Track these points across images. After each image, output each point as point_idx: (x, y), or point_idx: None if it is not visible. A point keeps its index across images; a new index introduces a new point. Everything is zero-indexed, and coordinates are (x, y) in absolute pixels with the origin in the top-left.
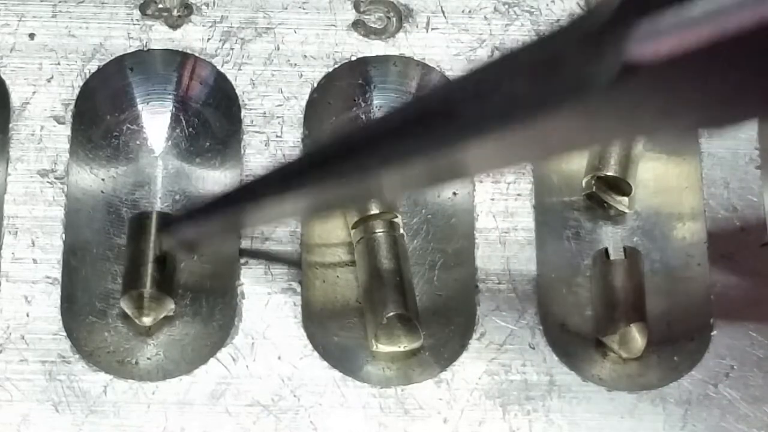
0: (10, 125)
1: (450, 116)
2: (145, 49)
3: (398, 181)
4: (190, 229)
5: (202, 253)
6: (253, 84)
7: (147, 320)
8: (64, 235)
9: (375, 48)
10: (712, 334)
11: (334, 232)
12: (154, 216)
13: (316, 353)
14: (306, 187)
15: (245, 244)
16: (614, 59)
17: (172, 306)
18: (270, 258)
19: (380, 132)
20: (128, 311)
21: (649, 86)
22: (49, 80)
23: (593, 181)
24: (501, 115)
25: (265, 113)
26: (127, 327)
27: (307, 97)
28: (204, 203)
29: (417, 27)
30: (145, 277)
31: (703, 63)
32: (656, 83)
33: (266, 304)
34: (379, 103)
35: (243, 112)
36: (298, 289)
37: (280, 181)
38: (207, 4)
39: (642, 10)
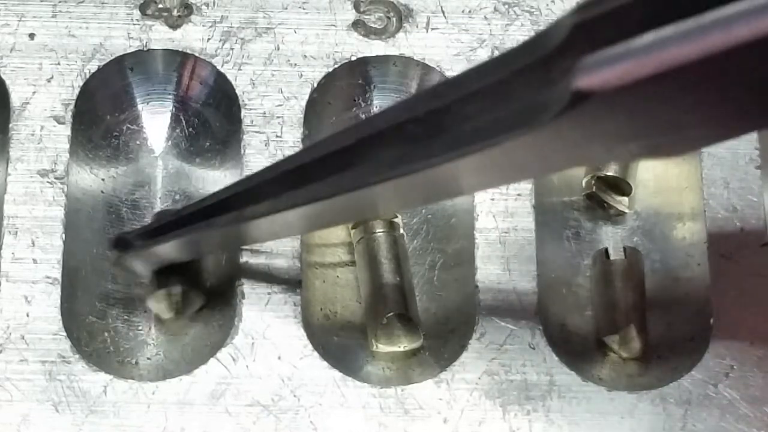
0: (10, 125)
1: (402, 140)
2: (145, 49)
3: (363, 202)
4: (146, 253)
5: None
6: (253, 84)
7: (174, 318)
8: (64, 235)
9: (375, 48)
10: (712, 334)
11: (334, 232)
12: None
13: (316, 353)
14: (274, 211)
15: None
16: (564, 87)
17: (202, 301)
18: (270, 258)
19: (335, 154)
20: (156, 310)
21: (598, 114)
22: (49, 80)
23: (593, 181)
24: (452, 142)
25: (265, 113)
26: (127, 327)
27: (307, 97)
28: (169, 222)
29: (417, 27)
30: (172, 276)
31: (649, 92)
32: (605, 111)
33: (266, 304)
34: (379, 103)
35: (243, 112)
36: (298, 289)
37: (249, 201)
38: (207, 4)
39: (591, 39)
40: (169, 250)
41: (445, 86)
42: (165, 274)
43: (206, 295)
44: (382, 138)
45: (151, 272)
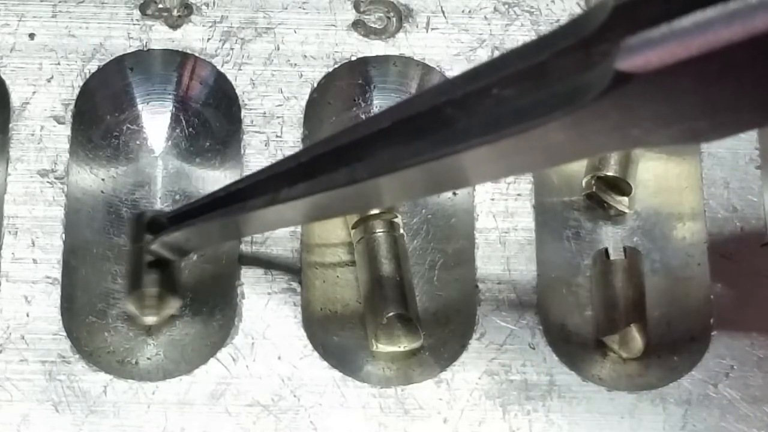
0: (10, 125)
1: (439, 123)
2: (145, 49)
3: (389, 190)
4: (179, 234)
5: (191, 256)
6: (253, 84)
7: (151, 320)
8: (64, 235)
9: (375, 48)
10: (712, 334)
11: (334, 232)
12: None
13: (316, 353)
14: (299, 197)
15: (245, 244)
16: (605, 69)
17: (178, 304)
18: (270, 258)
19: (369, 139)
20: (132, 311)
21: (639, 96)
22: (49, 80)
23: (593, 181)
24: (490, 124)
25: (265, 113)
26: (127, 327)
27: (307, 97)
28: (194, 206)
29: (417, 27)
30: (147, 276)
31: (692, 74)
32: (646, 93)
33: (266, 304)
34: (379, 103)
35: (243, 112)
36: (298, 289)
37: (273, 188)
38: (207, 4)
39: (632, 20)
40: (198, 234)
41: (483, 68)
42: (141, 275)
43: (205, 298)
44: (420, 120)
45: (179, 258)
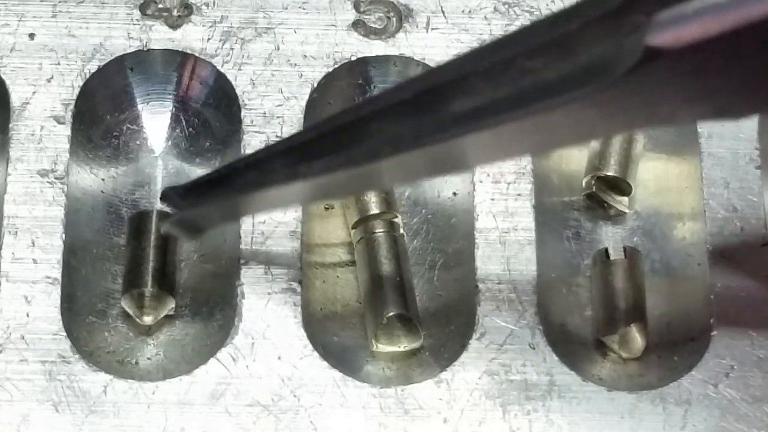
0: (10, 125)
1: (462, 92)
2: (145, 49)
3: (399, 167)
4: (192, 211)
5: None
6: (253, 84)
7: (148, 319)
8: (64, 235)
9: (375, 48)
10: (712, 334)
11: (334, 232)
12: (155, 214)
13: (316, 353)
14: (302, 176)
15: (245, 244)
16: (635, 43)
17: (173, 305)
18: (270, 258)
19: (388, 111)
20: (129, 310)
21: (670, 73)
22: (49, 80)
23: (593, 181)
24: (516, 98)
25: (265, 113)
26: (127, 327)
27: (307, 97)
28: (204, 179)
29: (417, 27)
30: (145, 276)
31: (726, 49)
32: (678, 70)
33: (266, 304)
34: None
35: (243, 112)
36: (298, 289)
37: (291, 161)
38: (207, 4)
39: None
40: (214, 211)
41: (508, 39)
42: (138, 275)
43: (205, 298)
44: (443, 91)
45: (196, 237)
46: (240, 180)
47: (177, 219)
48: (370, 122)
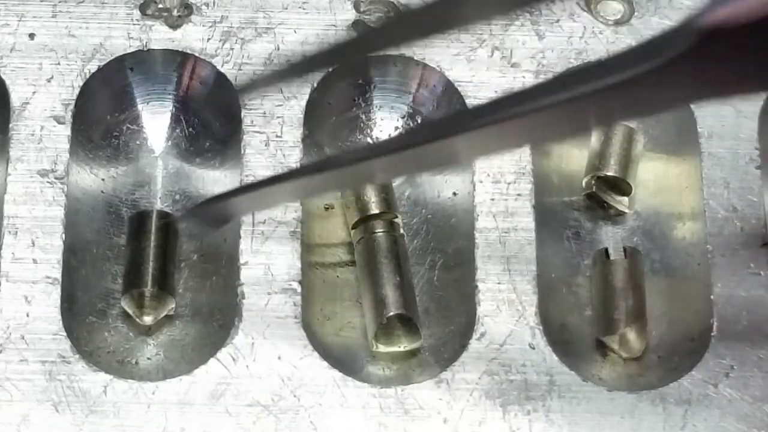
0: (10, 125)
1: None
2: (145, 49)
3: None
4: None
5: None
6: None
7: (148, 319)
8: (64, 235)
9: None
10: (712, 334)
11: (334, 232)
12: (155, 214)
13: (316, 353)
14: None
15: (245, 244)
16: (690, 24)
17: (173, 305)
18: (270, 258)
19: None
20: (129, 310)
21: (725, 50)
22: (49, 80)
23: (593, 181)
24: (573, 78)
25: (265, 113)
26: (127, 327)
27: (307, 97)
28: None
29: None
30: (146, 276)
31: None
32: (733, 47)
33: (266, 304)
34: (379, 103)
35: (243, 112)
36: (298, 289)
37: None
38: (207, 4)
39: None
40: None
41: None
42: (138, 275)
43: (205, 298)
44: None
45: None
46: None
47: (194, 209)
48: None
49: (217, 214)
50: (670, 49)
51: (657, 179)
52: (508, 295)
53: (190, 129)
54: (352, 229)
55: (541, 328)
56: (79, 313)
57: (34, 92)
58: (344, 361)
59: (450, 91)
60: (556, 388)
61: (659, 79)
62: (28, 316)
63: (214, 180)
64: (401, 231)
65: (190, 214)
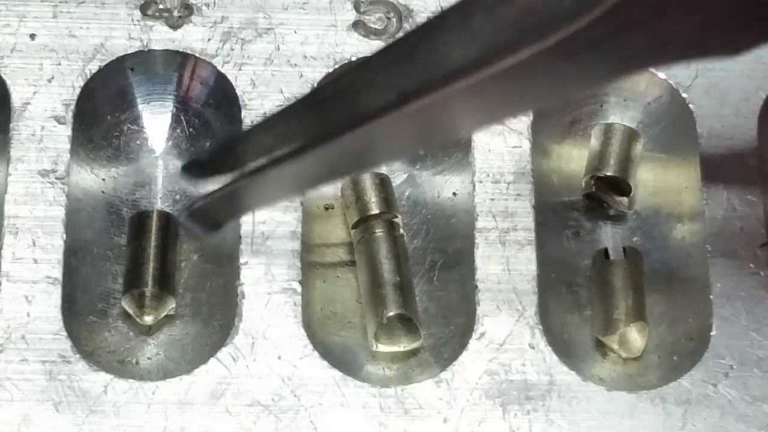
0: (11, 125)
1: (464, 54)
2: (146, 49)
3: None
4: (205, 204)
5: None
6: (253, 84)
7: (149, 319)
8: (64, 235)
9: (375, 48)
10: (712, 334)
11: (334, 232)
12: (155, 214)
13: (316, 353)
14: (311, 149)
15: (245, 244)
16: None
17: (173, 305)
18: (270, 258)
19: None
20: (130, 310)
21: (634, 12)
22: (49, 80)
23: (593, 181)
24: (512, 48)
25: (265, 113)
26: (127, 327)
27: None
28: (219, 147)
29: None
30: (146, 276)
31: None
32: (641, 8)
33: (266, 304)
34: None
35: (243, 112)
36: (299, 289)
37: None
38: (207, 5)
39: None
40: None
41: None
42: (138, 275)
43: (205, 298)
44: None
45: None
46: (252, 146)
47: (194, 209)
48: (373, 75)
49: (216, 212)
50: (580, 16)
51: (657, 179)
52: (508, 295)
53: (191, 129)
54: (352, 229)
55: (541, 328)
56: (80, 312)
57: (34, 92)
58: (344, 360)
59: None
60: (556, 388)
61: (569, 50)
62: (28, 315)
63: (214, 180)
64: (401, 231)
65: (189, 216)
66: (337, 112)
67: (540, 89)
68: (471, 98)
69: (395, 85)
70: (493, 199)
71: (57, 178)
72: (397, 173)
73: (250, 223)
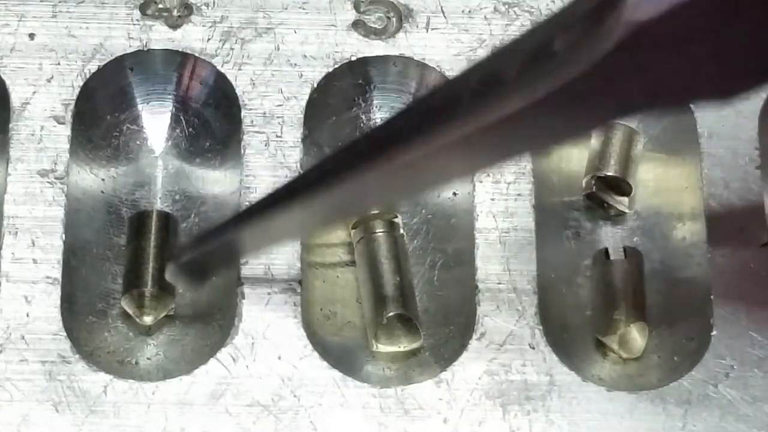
0: (10, 125)
1: (451, 110)
2: (145, 49)
3: (401, 182)
4: (196, 255)
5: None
6: (253, 84)
7: (148, 319)
8: (64, 235)
9: (375, 48)
10: (712, 334)
11: (334, 232)
12: (155, 214)
13: (316, 353)
14: (304, 200)
15: None
16: (614, 24)
17: (173, 305)
18: (270, 258)
19: (382, 136)
20: (129, 310)
21: (651, 47)
22: (49, 80)
23: (593, 181)
24: (501, 101)
25: (265, 113)
26: (127, 327)
27: (307, 97)
28: (207, 231)
29: (417, 27)
30: (146, 276)
31: (704, 13)
32: (659, 43)
33: (266, 304)
34: (379, 103)
35: (243, 112)
36: (298, 289)
37: (282, 196)
38: (207, 4)
39: None
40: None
41: (493, 56)
42: (138, 275)
43: (205, 298)
44: (436, 108)
45: (200, 284)
46: (244, 221)
47: (181, 263)
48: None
49: (206, 264)
50: (600, 50)
51: (657, 179)
52: (508, 295)
53: (190, 129)
54: (352, 229)
55: (541, 328)
56: (79, 313)
57: (34, 92)
58: (344, 360)
59: None
60: (556, 388)
61: (586, 86)
62: (28, 316)
63: (214, 180)
64: (401, 231)
65: (178, 269)
66: (325, 166)
67: (526, 141)
68: (457, 152)
69: (383, 140)
70: (493, 199)
71: (56, 178)
72: None
73: None
